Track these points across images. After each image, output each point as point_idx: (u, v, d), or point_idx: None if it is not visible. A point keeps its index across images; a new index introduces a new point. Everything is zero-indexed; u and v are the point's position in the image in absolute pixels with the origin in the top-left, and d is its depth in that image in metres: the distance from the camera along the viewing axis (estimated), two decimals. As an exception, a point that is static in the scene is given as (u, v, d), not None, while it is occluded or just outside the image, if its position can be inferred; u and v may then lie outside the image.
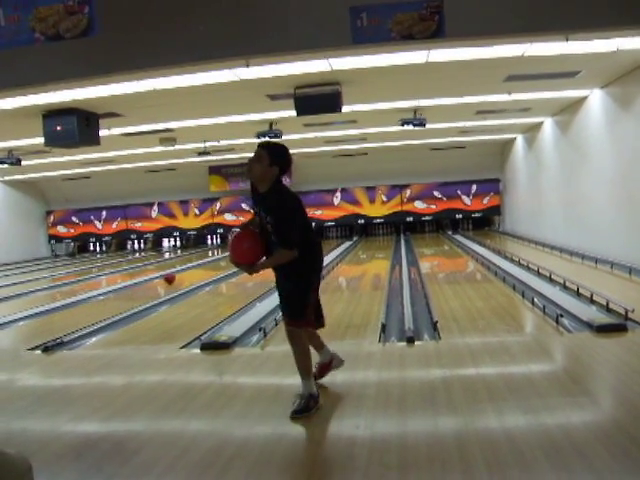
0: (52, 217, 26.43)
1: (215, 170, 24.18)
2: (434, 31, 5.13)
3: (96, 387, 6.04)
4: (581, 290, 8.90)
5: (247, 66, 7.57)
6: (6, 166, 15.77)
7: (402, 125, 13.42)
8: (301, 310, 4.90)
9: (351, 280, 13.70)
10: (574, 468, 3.54)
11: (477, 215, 23.96)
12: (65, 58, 5.15)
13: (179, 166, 22.50)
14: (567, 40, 6.78)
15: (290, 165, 4.92)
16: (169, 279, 13.51)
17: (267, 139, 13.45)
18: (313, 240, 5.01)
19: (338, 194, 24.26)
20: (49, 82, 5.76)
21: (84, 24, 4.68)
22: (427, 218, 24.20)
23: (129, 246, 26.88)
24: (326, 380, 5.44)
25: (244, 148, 18.52)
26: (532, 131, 18.55)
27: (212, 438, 4.34)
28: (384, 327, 7.42)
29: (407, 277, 11.75)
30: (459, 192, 23.72)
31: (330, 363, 5.40)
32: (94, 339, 8.23)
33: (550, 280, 10.25)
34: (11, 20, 4.79)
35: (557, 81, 10.93)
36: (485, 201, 23.62)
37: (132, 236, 26.36)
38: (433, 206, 23.90)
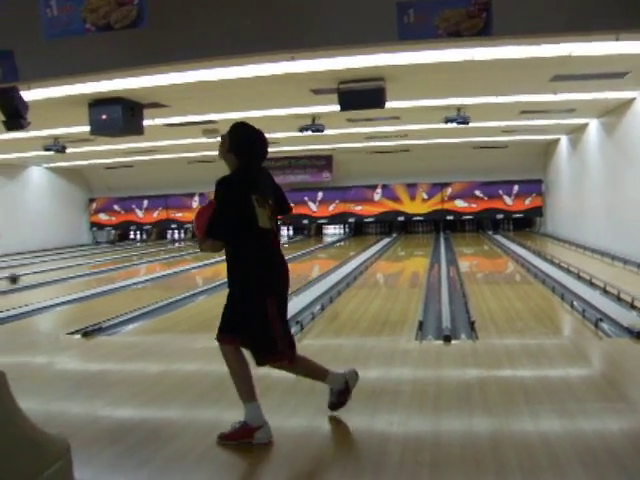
0: (94, 205, 26.75)
1: (256, 163, 24.25)
2: (481, 29, 5.08)
3: (133, 373, 6.11)
4: (622, 295, 8.78)
5: (292, 60, 7.58)
6: (52, 153, 15.99)
7: (446, 123, 13.34)
8: (269, 343, 4.14)
9: (389, 277, 13.66)
10: (609, 475, 3.49)
11: (518, 216, 23.73)
12: (114, 48, 5.21)
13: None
14: (617, 39, 6.66)
15: (250, 150, 4.26)
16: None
17: (310, 133, 13.47)
18: (266, 249, 4.19)
19: (379, 190, 24.20)
20: (98, 72, 5.84)
21: (134, 15, 4.72)
22: (468, 217, 24.04)
23: (169, 236, 27.09)
24: (360, 375, 5.44)
25: (286, 142, 18.55)
26: (577, 132, 18.32)
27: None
28: (421, 325, 7.40)
29: (446, 276, 11.69)
30: (501, 192, 23.51)
31: (347, 387, 4.56)
32: (132, 326, 8.33)
33: (590, 284, 10.13)
34: (63, 10, 4.85)
35: (604, 82, 10.77)
36: (527, 202, 23.38)
37: (172, 226, 26.56)
38: (474, 205, 23.73)
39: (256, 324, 4.10)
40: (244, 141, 4.28)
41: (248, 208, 4.08)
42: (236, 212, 4.07)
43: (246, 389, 4.17)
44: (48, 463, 3.15)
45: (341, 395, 4.52)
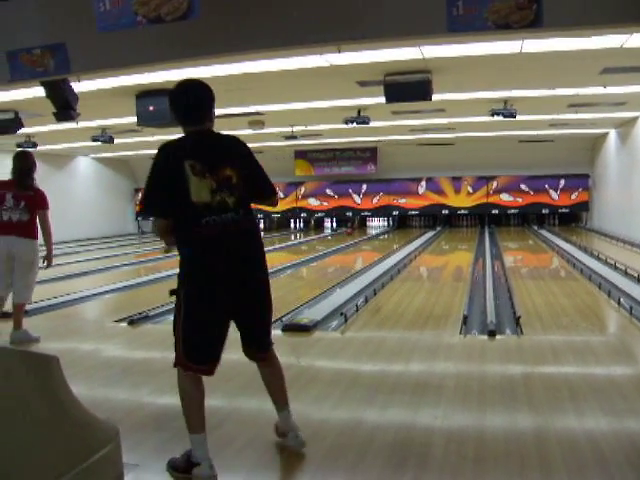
0: (140, 195, 26.96)
1: (301, 155, 24.31)
2: (531, 20, 5.02)
3: (177, 362, 6.17)
4: (671, 292, 8.64)
5: (339, 52, 7.57)
6: (99, 144, 16.20)
7: (492, 115, 13.21)
8: (177, 343, 3.76)
9: (433, 270, 13.61)
10: (658, 474, 3.45)
11: (564, 210, 23.41)
12: (164, 40, 5.26)
13: (265, 149, 22.68)
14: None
15: (183, 112, 3.66)
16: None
17: (355, 125, 13.45)
18: (199, 230, 3.46)
19: (423, 183, 24.07)
20: (148, 64, 5.90)
21: (184, 7, 4.77)
22: (513, 211, 23.78)
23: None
24: (404, 368, 5.45)
25: (331, 134, 18.56)
26: (626, 126, 18.00)
27: (290, 419, 4.39)
28: (465, 319, 7.37)
29: (490, 270, 11.60)
30: (547, 186, 23.22)
31: (281, 432, 3.95)
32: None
33: (638, 281, 9.97)
34: (115, 4, 4.93)
35: (657, 74, 10.56)
36: (573, 197, 23.05)
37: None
38: (519, 199, 23.47)
39: (174, 319, 3.70)
40: (176, 103, 3.68)
41: (179, 177, 3.41)
42: (168, 182, 3.46)
43: (194, 418, 3.67)
44: (99, 446, 3.21)
45: (277, 431, 3.97)
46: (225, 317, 3.63)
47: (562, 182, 23.01)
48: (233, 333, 6.64)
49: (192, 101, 3.63)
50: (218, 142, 3.67)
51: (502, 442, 3.93)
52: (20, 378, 2.83)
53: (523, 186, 23.37)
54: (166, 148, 3.54)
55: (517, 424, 4.27)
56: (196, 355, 3.66)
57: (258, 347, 3.89)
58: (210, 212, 3.44)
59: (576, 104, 13.69)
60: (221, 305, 3.55)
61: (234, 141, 3.72)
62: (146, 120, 10.94)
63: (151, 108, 10.59)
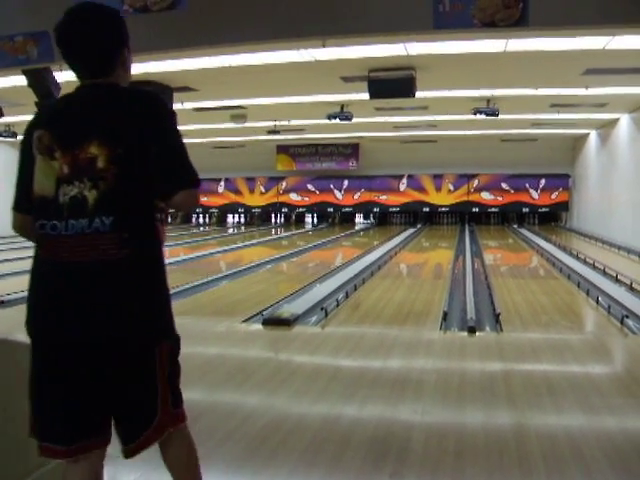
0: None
1: (283, 149, 24.28)
2: (517, 19, 5.04)
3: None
4: (649, 292, 8.73)
5: (323, 46, 7.56)
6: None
7: (474, 114, 13.27)
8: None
9: (413, 267, 13.64)
10: (634, 469, 3.48)
11: (544, 210, 23.55)
12: (150, 31, 5.23)
13: (247, 143, 22.65)
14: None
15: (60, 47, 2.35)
16: None
17: (338, 120, 13.46)
18: (39, 242, 2.24)
19: (404, 180, 24.11)
20: (133, 53, 5.85)
21: (172, -3, 4.77)
22: (493, 210, 23.90)
23: (194, 220, 27.18)
24: (384, 364, 5.46)
25: (313, 129, 18.55)
26: (607, 127, 18.15)
27: (270, 412, 4.38)
28: (445, 315, 7.39)
29: (470, 268, 11.66)
30: (527, 185, 23.34)
31: None
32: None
33: (616, 280, 10.06)
34: (100, -9, 4.87)
35: (637, 76, 10.64)
36: (553, 196, 23.19)
37: (197, 210, 26.65)
38: (500, 198, 23.58)
39: None
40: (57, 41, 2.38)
41: (27, 157, 2.26)
42: (20, 164, 2.33)
43: None
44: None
45: None
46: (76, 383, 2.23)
47: (542, 182, 23.14)
48: (212, 327, 6.61)
49: (74, 38, 2.30)
50: (100, 100, 2.27)
51: (482, 437, 3.95)
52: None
53: (504, 185, 23.48)
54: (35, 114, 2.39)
55: (497, 420, 4.29)
56: (42, 430, 2.29)
57: (122, 438, 2.37)
58: (50, 215, 2.17)
59: (558, 104, 13.79)
60: (58, 369, 2.23)
61: (137, 99, 2.30)
62: (128, 111, 10.89)
63: (133, 99, 10.55)
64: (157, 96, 2.35)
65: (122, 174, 2.16)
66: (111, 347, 2.19)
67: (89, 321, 2.15)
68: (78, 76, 2.34)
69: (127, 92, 2.32)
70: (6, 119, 13.33)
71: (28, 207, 2.25)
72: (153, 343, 2.28)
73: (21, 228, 2.37)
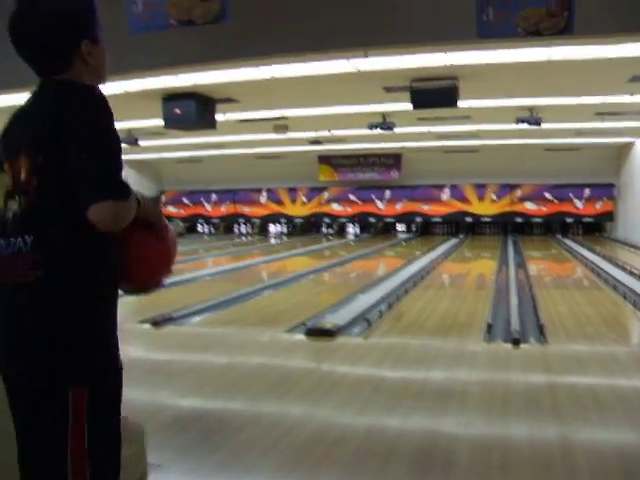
0: (164, 197, 27.15)
1: (325, 160, 24.29)
2: (562, 28, 5.00)
3: (199, 364, 6.19)
4: (698, 304, 8.55)
5: (366, 57, 7.58)
6: (125, 146, 16.28)
7: (517, 123, 13.17)
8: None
9: (456, 278, 13.55)
10: (686, 486, 3.41)
11: (588, 220, 23.20)
12: (195, 44, 5.29)
13: (289, 154, 22.72)
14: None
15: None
16: None
17: (379, 130, 13.46)
18: None
19: (447, 190, 23.96)
20: (178, 66, 5.94)
21: (217, 11, 4.80)
22: (537, 220, 23.61)
23: (236, 229, 27.31)
24: (427, 375, 5.43)
25: (355, 139, 18.55)
26: (654, 136, 17.86)
27: (314, 423, 4.39)
28: (489, 327, 7.33)
29: (514, 278, 11.54)
30: (571, 195, 23.02)
31: None
32: (199, 317, 8.44)
33: (664, 291, 9.87)
34: (149, 6, 4.97)
35: (685, 83, 10.47)
36: (598, 206, 22.84)
37: (240, 220, 26.79)
38: (543, 208, 23.30)
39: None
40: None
41: None
42: None
43: None
44: (124, 445, 3.23)
45: None
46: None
47: (587, 191, 22.81)
48: (256, 336, 6.64)
49: (19, 30, 2.02)
50: (41, 102, 2.03)
51: (527, 450, 3.90)
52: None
53: (547, 195, 23.21)
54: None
55: (542, 433, 4.23)
56: None
57: None
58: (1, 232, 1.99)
59: (603, 112, 13.60)
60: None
61: (64, 96, 1.97)
62: (172, 122, 11.03)
63: (177, 111, 10.67)
64: (88, 90, 1.98)
65: (41, 186, 1.92)
66: (14, 388, 1.92)
67: (2, 353, 1.93)
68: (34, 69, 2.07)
69: (64, 89, 1.98)
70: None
71: None
72: (55, 389, 1.83)
73: None
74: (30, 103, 2.06)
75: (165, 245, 2.34)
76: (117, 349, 2.08)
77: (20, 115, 2.07)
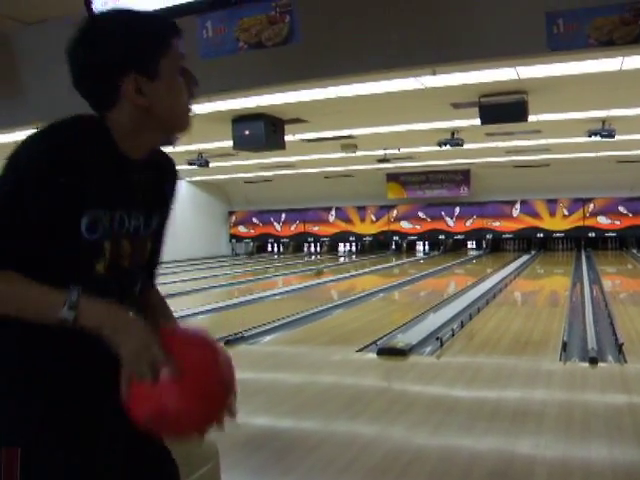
0: (234, 217, 27.45)
1: (393, 177, 24.23)
2: (637, 35, 4.87)
3: (271, 383, 6.21)
4: None
5: (434, 74, 7.54)
6: (195, 167, 16.56)
7: (589, 136, 12.91)
8: None
9: (529, 295, 13.31)
10: None
11: (665, 233, 22.55)
12: (264, 65, 5.34)
13: (357, 172, 22.74)
14: None
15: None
16: None
17: (448, 147, 13.37)
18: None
19: (517, 206, 23.62)
20: (248, 89, 6.01)
21: (285, 32, 4.83)
22: (610, 234, 23.07)
23: (305, 249, 27.42)
24: (502, 395, 5.33)
25: (424, 156, 18.47)
26: None
27: (388, 444, 4.34)
28: (565, 345, 7.15)
29: (589, 295, 11.27)
30: (646, 208, 22.45)
31: None
32: (270, 337, 8.47)
33: None
34: (218, 32, 5.03)
35: None
36: (675, 218, 22.21)
37: (309, 239, 26.89)
38: (617, 222, 22.74)
39: None
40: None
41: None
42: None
43: None
44: (199, 465, 3.25)
45: None
46: None
47: (663, 203, 22.20)
48: (328, 356, 6.65)
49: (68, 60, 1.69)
50: None
51: (609, 474, 3.78)
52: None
53: (621, 208, 22.66)
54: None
55: (625, 456, 4.09)
56: None
57: None
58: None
59: (679, 122, 13.24)
60: None
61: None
62: (242, 144, 11.15)
63: (247, 132, 10.79)
64: (28, 137, 1.55)
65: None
66: None
67: None
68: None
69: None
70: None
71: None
72: None
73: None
74: None
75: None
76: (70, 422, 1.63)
77: None
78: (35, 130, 1.56)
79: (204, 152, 15.75)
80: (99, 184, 1.61)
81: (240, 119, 10.81)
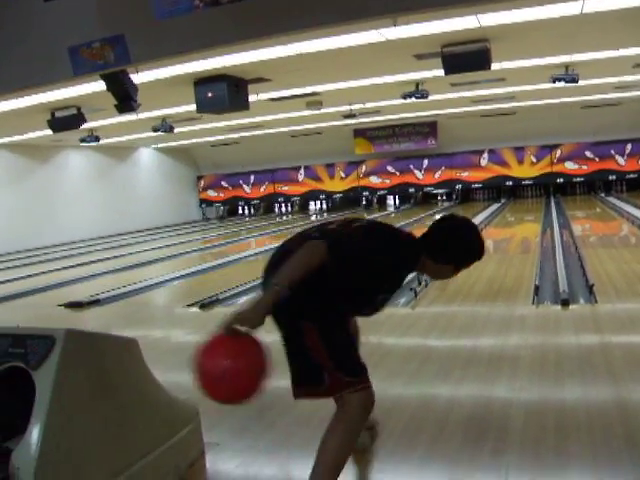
0: (202, 182, 27.27)
1: (360, 133, 24.16)
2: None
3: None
4: None
5: (395, 25, 7.47)
6: (160, 133, 16.38)
7: (553, 82, 12.89)
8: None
9: (500, 242, 13.42)
10: None
11: (632, 176, 22.66)
12: (221, 24, 5.25)
13: (324, 129, 22.64)
14: None
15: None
16: None
17: (414, 99, 13.31)
18: None
19: (485, 155, 23.68)
20: (206, 48, 5.89)
21: (242, -14, 4.77)
22: (578, 179, 23.22)
23: (276, 209, 27.36)
24: (477, 342, 5.40)
25: (390, 110, 18.41)
26: (695, 84, 17.39)
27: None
28: (537, 289, 7.24)
29: (559, 240, 11.39)
30: (612, 152, 22.57)
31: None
32: (246, 298, 8.48)
33: None
34: (171, -9, 4.96)
35: None
36: (641, 161, 22.39)
37: (279, 199, 26.82)
38: (585, 167, 22.89)
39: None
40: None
41: None
42: None
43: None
44: (181, 425, 3.28)
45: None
46: None
47: (629, 147, 22.35)
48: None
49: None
50: None
51: (583, 413, 3.85)
52: (104, 360, 2.89)
53: (588, 153, 22.80)
54: None
55: (598, 394, 4.18)
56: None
57: None
58: None
59: (642, 64, 13.28)
60: None
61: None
62: (205, 107, 11.00)
63: (209, 94, 10.64)
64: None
65: None
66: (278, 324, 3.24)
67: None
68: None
69: None
70: (89, 124, 13.68)
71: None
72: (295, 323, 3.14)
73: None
74: None
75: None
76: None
77: None
78: None
79: (168, 117, 15.56)
80: None
81: (202, 81, 10.65)
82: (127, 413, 2.88)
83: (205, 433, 3.48)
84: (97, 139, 16.59)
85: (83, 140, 16.50)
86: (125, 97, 7.48)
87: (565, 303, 6.52)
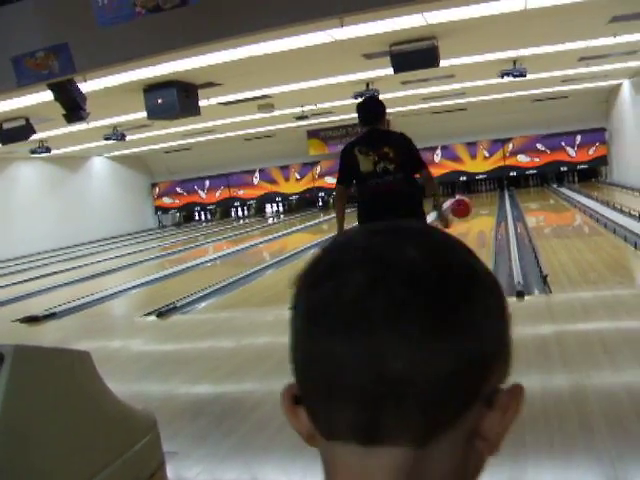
0: (157, 189, 27.08)
1: (314, 134, 24.19)
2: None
3: (208, 350, 6.22)
4: (699, 238, 8.54)
5: (342, 26, 7.49)
6: (112, 142, 16.23)
7: (501, 77, 13.04)
8: None
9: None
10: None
11: (583, 167, 23.07)
12: (165, 30, 5.22)
13: (277, 132, 22.63)
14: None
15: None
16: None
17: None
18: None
19: (438, 151, 23.87)
20: (151, 55, 5.87)
21: (183, -8, 4.75)
22: (531, 172, 23.53)
23: (233, 213, 27.27)
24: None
25: (342, 110, 18.45)
26: (640, 75, 17.73)
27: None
28: (492, 282, 7.31)
29: (514, 232, 11.54)
30: (563, 144, 22.92)
31: None
32: (204, 304, 8.46)
33: (665, 229, 9.86)
34: (113, -2, 4.92)
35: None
36: (591, 152, 22.73)
37: (235, 203, 26.73)
38: (537, 159, 23.20)
39: None
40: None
41: (349, 157, 5.56)
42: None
43: None
44: (139, 436, 3.25)
45: None
46: None
47: (578, 138, 22.72)
48: (261, 316, 6.63)
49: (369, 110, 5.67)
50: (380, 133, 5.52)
51: (539, 401, 3.90)
52: (55, 375, 2.85)
53: (539, 145, 23.12)
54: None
55: (553, 383, 4.24)
56: None
57: None
58: (372, 177, 5.31)
59: (587, 57, 13.50)
60: None
61: (398, 136, 5.62)
62: (155, 113, 10.93)
63: (159, 101, 10.57)
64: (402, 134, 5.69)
65: (401, 160, 5.31)
66: None
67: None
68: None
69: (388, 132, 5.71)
70: (38, 135, 13.49)
71: (349, 183, 5.63)
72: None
73: (340, 195, 5.75)
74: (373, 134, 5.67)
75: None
76: None
77: (372, 136, 5.61)
78: None
79: (119, 125, 15.42)
80: None
81: (151, 88, 10.57)
82: (82, 428, 2.84)
83: (164, 442, 3.46)
84: (48, 150, 16.38)
85: (34, 152, 16.27)
86: (74, 106, 7.41)
87: (520, 294, 6.60)
